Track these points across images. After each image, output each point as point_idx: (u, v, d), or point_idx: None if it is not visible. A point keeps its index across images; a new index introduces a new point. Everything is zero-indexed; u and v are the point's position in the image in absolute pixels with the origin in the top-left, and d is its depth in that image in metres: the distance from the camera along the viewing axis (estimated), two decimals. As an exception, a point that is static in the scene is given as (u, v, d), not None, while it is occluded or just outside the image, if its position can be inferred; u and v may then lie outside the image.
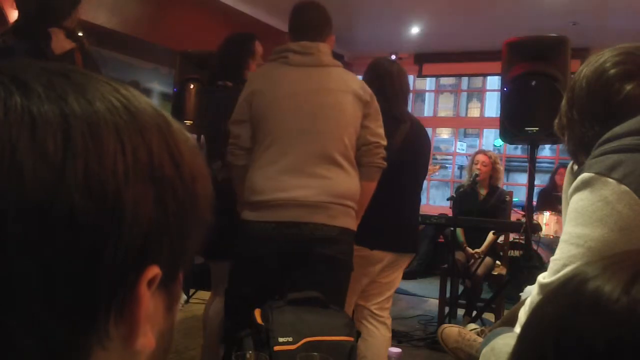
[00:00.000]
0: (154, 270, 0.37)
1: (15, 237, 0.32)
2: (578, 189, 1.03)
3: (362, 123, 2.21)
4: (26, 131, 0.33)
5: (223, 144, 2.39)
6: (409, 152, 2.64)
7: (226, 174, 2.41)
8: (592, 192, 0.99)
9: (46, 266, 0.33)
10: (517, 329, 1.24)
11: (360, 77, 2.54)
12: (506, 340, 1.25)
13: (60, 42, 2.11)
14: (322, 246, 2.11)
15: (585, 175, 1.02)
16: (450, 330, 1.79)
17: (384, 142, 2.25)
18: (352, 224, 2.21)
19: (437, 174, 7.18)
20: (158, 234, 0.37)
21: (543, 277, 1.12)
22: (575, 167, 1.22)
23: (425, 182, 3.16)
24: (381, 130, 2.25)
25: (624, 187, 0.96)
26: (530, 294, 1.46)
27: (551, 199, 5.68)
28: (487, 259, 4.34)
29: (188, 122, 4.04)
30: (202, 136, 2.94)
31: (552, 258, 1.09)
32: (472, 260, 4.40)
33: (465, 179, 4.94)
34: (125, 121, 0.37)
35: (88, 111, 0.35)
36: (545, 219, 5.32)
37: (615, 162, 0.99)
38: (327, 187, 2.11)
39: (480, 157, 4.63)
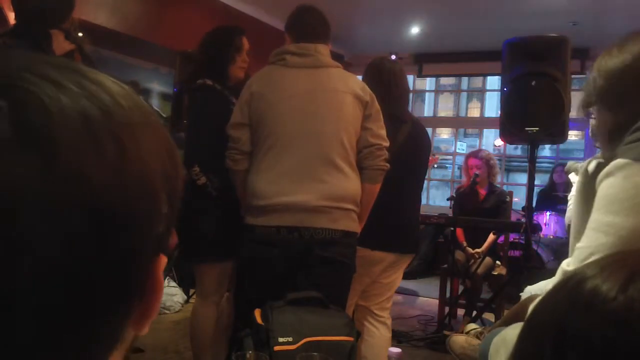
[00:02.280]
0: (164, 259, 0.40)
1: (79, 244, 0.32)
2: (610, 174, 0.98)
3: (362, 124, 2.20)
4: (85, 135, 0.33)
5: (202, 148, 2.37)
6: (410, 152, 2.64)
7: (205, 179, 2.39)
8: (625, 178, 0.95)
9: (105, 266, 0.34)
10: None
11: (360, 77, 2.54)
12: (517, 331, 1.25)
13: (61, 44, 2.12)
14: (321, 249, 2.11)
15: (619, 161, 0.97)
16: (457, 337, 1.85)
17: (386, 144, 2.24)
18: (354, 226, 2.20)
19: (435, 166, 7.18)
20: (168, 227, 0.40)
21: (567, 264, 1.09)
22: (591, 166, 1.15)
23: (425, 182, 3.16)
24: (383, 132, 2.23)
25: None
26: (529, 294, 1.47)
27: (551, 199, 5.67)
28: (487, 259, 4.34)
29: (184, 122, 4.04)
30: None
31: (577, 245, 1.05)
32: (472, 260, 4.40)
33: (463, 180, 4.94)
34: (143, 119, 0.38)
35: (121, 110, 0.36)
36: (545, 219, 5.32)
37: None
38: (326, 191, 2.11)
39: (474, 162, 4.61)
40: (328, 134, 2.14)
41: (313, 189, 2.10)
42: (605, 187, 0.99)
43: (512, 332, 1.27)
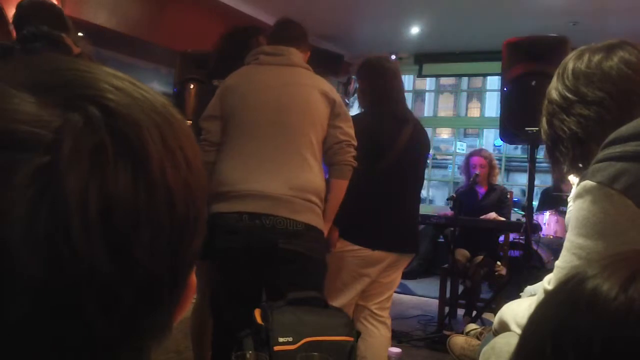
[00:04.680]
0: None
1: (162, 250, 0.33)
2: (580, 196, 0.99)
3: (332, 123, 2.23)
4: (163, 146, 0.34)
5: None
6: (411, 152, 2.64)
7: None
8: (594, 202, 0.96)
9: (175, 266, 0.35)
10: (514, 328, 1.23)
11: (354, 77, 2.56)
12: (507, 339, 1.25)
13: (71, 47, 2.14)
14: (286, 241, 2.08)
15: (587, 183, 0.98)
16: (457, 338, 1.85)
17: (355, 142, 2.26)
18: (317, 221, 2.17)
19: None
20: None
21: (548, 282, 1.10)
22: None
23: (425, 182, 3.17)
24: (352, 131, 2.26)
25: (626, 200, 0.92)
26: (529, 294, 1.47)
27: (554, 199, 5.66)
28: (487, 260, 4.34)
29: (188, 122, 4.03)
30: None
31: (556, 263, 1.06)
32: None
33: (462, 179, 4.94)
34: (188, 127, 0.40)
35: (175, 120, 0.38)
36: (545, 219, 5.31)
37: (618, 172, 0.94)
38: (290, 181, 2.11)
39: (477, 160, 4.62)
40: (296, 127, 2.17)
41: (277, 177, 2.11)
42: (576, 209, 1.00)
43: (501, 341, 1.27)
